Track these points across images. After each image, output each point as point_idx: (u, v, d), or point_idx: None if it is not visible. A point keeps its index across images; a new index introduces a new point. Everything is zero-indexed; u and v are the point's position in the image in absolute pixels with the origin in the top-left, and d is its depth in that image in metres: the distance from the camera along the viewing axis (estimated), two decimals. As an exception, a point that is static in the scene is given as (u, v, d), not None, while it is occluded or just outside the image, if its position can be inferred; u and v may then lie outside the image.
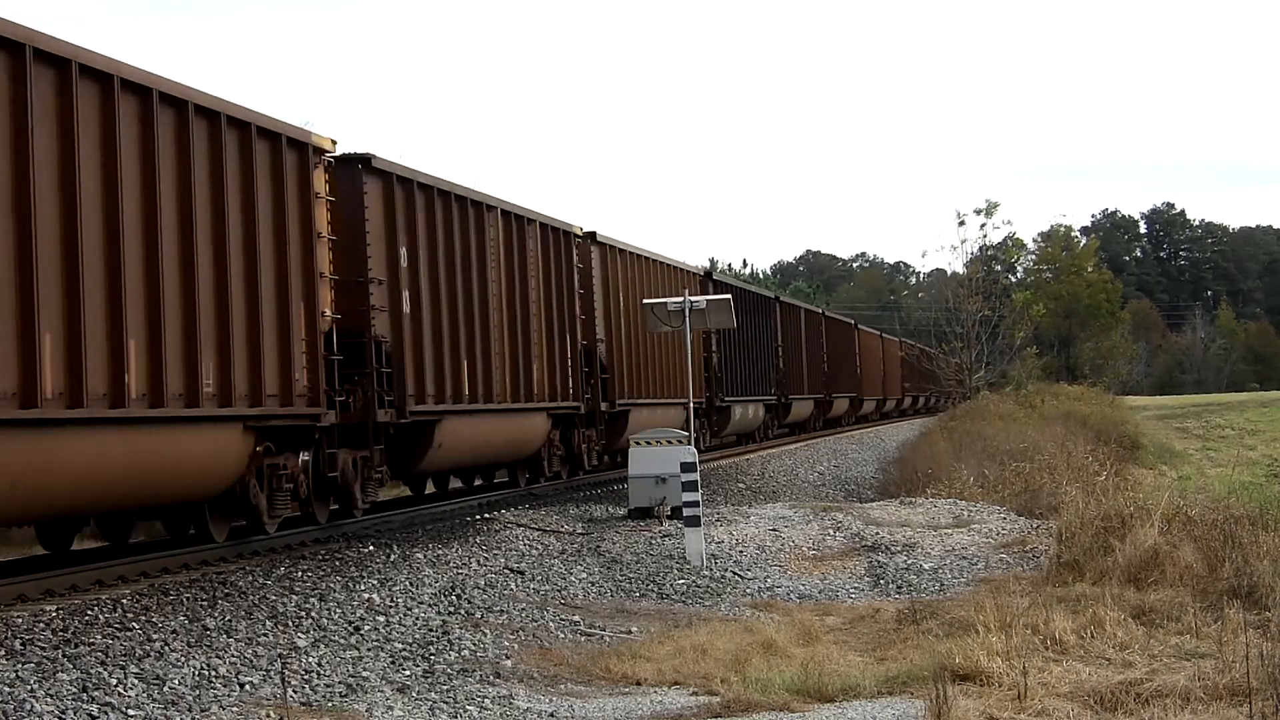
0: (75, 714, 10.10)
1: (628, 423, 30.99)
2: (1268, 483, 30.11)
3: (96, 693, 10.59)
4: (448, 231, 22.65)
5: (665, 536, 21.00)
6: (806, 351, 52.93)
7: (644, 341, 32.66)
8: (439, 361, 21.94)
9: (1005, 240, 70.38)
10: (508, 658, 13.38)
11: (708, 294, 36.61)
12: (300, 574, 16.19)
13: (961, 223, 66.14)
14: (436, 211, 22.33)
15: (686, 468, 20.77)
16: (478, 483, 28.92)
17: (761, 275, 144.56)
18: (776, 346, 47.44)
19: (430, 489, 27.70)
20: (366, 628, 13.88)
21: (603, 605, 16.81)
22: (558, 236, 27.86)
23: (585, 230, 29.62)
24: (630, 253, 32.64)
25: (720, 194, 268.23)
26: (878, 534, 21.37)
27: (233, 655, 12.17)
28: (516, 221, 25.62)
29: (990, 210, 65.04)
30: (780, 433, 50.83)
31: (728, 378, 39.04)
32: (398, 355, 20.76)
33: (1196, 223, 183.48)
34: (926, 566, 19.37)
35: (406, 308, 21.13)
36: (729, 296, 28.26)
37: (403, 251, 21.16)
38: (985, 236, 65.57)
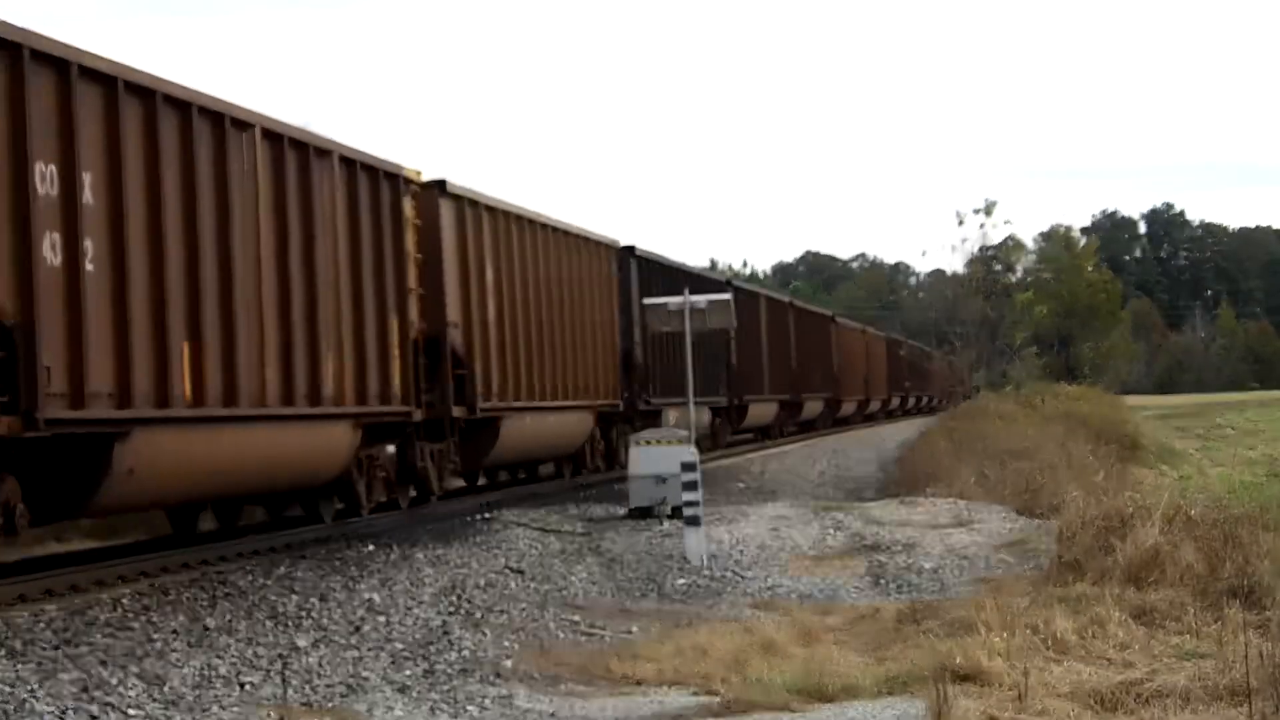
0: (76, 714, 10.09)
1: (499, 433, 24.56)
2: (1268, 482, 30.18)
3: (97, 692, 10.59)
4: (150, 152, 15.53)
5: (665, 536, 21.00)
6: (768, 346, 46.39)
7: (528, 327, 25.90)
8: (123, 345, 14.90)
9: (1005, 240, 70.71)
10: (508, 658, 13.38)
11: (628, 271, 32.28)
12: (300, 574, 16.20)
13: (961, 222, 66.46)
14: (126, 120, 15.07)
15: (687, 467, 20.77)
16: (297, 513, 21.10)
17: (761, 275, 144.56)
18: (728, 340, 39.82)
19: (211, 525, 20.49)
20: (367, 628, 13.88)
21: (603, 605, 16.81)
22: (375, 180, 20.40)
23: (428, 178, 22.54)
24: (504, 212, 25.39)
25: (720, 195, 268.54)
26: (878, 533, 21.38)
27: (233, 655, 12.18)
28: (297, 151, 18.30)
29: (989, 210, 65.34)
30: (738, 439, 44.63)
31: (657, 375, 32.14)
32: (25, 333, 13.56)
33: (1196, 223, 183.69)
34: (927, 566, 19.38)
35: (53, 258, 13.98)
36: (729, 296, 27.85)
37: (47, 171, 13.94)
38: (984, 236, 65.82)
